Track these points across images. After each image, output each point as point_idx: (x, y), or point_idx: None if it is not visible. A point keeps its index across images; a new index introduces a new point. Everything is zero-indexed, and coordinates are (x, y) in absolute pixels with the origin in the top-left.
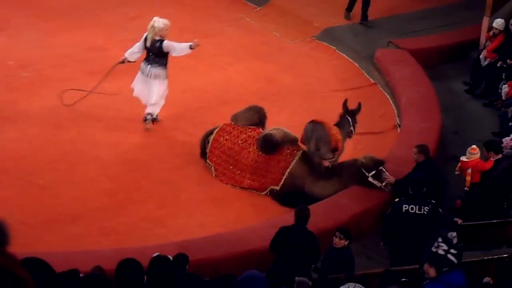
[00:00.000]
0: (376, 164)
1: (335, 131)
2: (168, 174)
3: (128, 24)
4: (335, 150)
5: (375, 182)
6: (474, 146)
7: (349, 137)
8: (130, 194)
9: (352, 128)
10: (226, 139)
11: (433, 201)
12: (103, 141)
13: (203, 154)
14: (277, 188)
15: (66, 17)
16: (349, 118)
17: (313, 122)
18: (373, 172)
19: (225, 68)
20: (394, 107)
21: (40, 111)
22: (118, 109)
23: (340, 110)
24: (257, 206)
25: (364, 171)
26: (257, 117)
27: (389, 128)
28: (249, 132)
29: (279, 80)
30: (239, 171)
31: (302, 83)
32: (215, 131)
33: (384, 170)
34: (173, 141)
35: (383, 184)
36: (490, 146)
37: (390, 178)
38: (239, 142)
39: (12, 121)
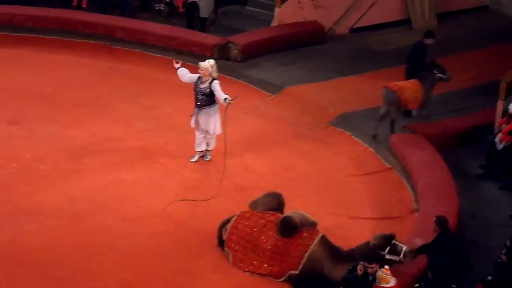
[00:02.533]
0: (387, 240)
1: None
2: (185, 263)
3: (144, 114)
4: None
5: (393, 258)
6: None
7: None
8: (148, 284)
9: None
10: (245, 225)
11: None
12: (119, 231)
13: (220, 243)
14: (296, 272)
15: (82, 109)
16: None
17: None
18: (388, 248)
19: (240, 155)
20: (411, 191)
21: (57, 202)
22: (135, 199)
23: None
24: None
25: (379, 251)
26: (276, 202)
27: (407, 213)
28: (268, 217)
29: (295, 167)
30: (257, 257)
31: (319, 169)
32: (232, 219)
33: (397, 242)
34: (189, 229)
35: (401, 256)
36: None
37: (405, 247)
38: (258, 227)
39: (29, 214)
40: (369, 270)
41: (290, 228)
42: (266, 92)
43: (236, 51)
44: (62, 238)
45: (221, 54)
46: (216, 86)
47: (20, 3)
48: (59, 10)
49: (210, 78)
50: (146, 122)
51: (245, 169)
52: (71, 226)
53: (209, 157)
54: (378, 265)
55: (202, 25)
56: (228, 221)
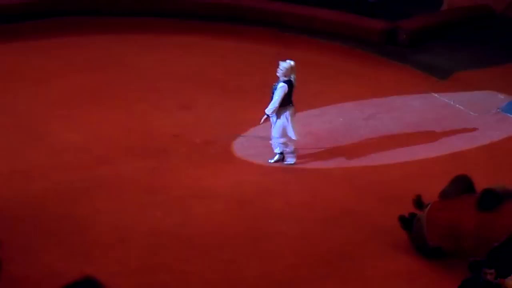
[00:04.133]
0: None
1: None
2: (351, 249)
3: (311, 100)
4: None
5: None
6: None
7: None
8: (314, 268)
9: None
10: (441, 217)
11: None
12: (286, 216)
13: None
14: (496, 244)
15: (251, 95)
16: None
17: None
18: None
19: (407, 141)
20: None
21: (225, 187)
22: (301, 184)
23: None
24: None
25: None
26: (466, 184)
27: None
28: (464, 199)
29: (464, 153)
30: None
31: (488, 156)
32: (426, 210)
33: None
34: (355, 216)
35: None
36: None
37: None
38: (456, 213)
39: (198, 197)
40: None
41: (492, 199)
42: (434, 77)
43: (404, 36)
44: (229, 222)
45: (389, 39)
46: (278, 89)
47: None
48: None
49: (284, 79)
50: (313, 108)
51: (413, 155)
52: (238, 210)
53: (289, 162)
54: None
55: (370, 9)
56: (413, 216)
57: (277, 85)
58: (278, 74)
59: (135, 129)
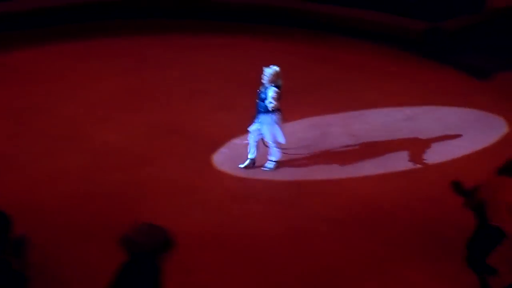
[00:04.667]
0: None
1: None
2: (393, 250)
3: (354, 101)
4: None
5: None
6: None
7: None
8: (354, 270)
9: None
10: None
11: None
12: (326, 217)
13: None
14: None
15: (296, 95)
16: None
17: None
18: None
19: (447, 141)
20: None
21: (265, 188)
22: (340, 183)
23: None
24: None
25: None
26: None
27: None
28: None
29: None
30: None
31: None
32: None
33: None
34: (397, 217)
35: None
36: None
37: None
38: None
39: (238, 198)
40: None
41: None
42: (475, 78)
43: (444, 36)
44: (268, 223)
45: (429, 39)
46: (270, 92)
47: None
48: None
49: (271, 85)
50: (352, 109)
51: (451, 155)
52: (277, 211)
53: (268, 167)
54: None
55: (410, 9)
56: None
57: (265, 91)
58: (263, 81)
59: (176, 130)
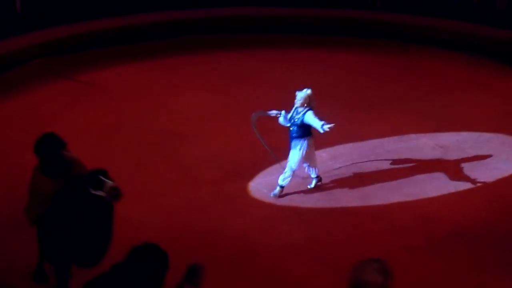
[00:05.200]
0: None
1: None
2: (488, 262)
3: (438, 113)
4: None
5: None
6: None
7: None
8: (444, 284)
9: None
10: None
11: None
12: (414, 230)
13: None
14: None
15: (377, 108)
16: None
17: None
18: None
19: None
20: None
21: (352, 201)
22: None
23: None
24: None
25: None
26: None
27: None
28: None
29: None
30: None
31: None
32: None
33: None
34: (490, 230)
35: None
36: None
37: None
38: None
39: (327, 211)
40: None
41: None
42: None
43: None
44: (357, 236)
45: None
46: (310, 115)
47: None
48: (348, 10)
49: (306, 108)
50: (440, 121)
51: None
52: (366, 224)
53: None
54: None
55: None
56: None
57: (300, 114)
58: (296, 105)
59: (261, 144)
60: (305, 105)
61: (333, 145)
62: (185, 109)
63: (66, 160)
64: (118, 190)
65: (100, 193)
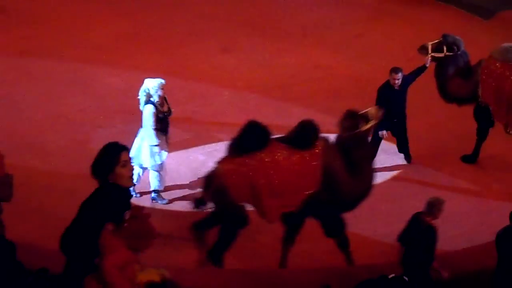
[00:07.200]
0: None
1: None
2: None
3: (352, 42)
4: None
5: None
6: None
7: None
8: None
9: None
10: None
11: None
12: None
13: None
14: None
15: (292, 37)
16: None
17: None
18: None
19: None
20: None
21: None
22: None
23: None
24: None
25: None
26: None
27: None
28: None
29: None
30: None
31: None
32: None
33: None
34: None
35: None
36: None
37: None
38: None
39: None
40: None
41: None
42: (479, 17)
43: None
44: None
45: None
46: (146, 113)
47: None
48: None
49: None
50: (354, 50)
51: None
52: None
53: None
54: None
55: None
56: None
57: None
58: (139, 97)
59: (175, 72)
60: (150, 97)
61: (250, 74)
62: (98, 37)
63: None
64: None
65: None
